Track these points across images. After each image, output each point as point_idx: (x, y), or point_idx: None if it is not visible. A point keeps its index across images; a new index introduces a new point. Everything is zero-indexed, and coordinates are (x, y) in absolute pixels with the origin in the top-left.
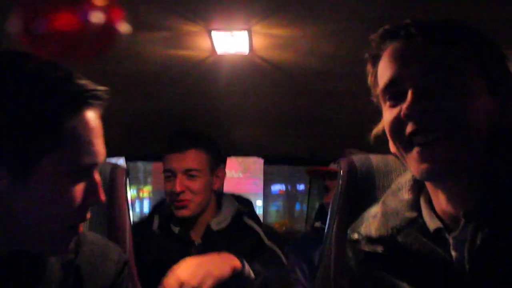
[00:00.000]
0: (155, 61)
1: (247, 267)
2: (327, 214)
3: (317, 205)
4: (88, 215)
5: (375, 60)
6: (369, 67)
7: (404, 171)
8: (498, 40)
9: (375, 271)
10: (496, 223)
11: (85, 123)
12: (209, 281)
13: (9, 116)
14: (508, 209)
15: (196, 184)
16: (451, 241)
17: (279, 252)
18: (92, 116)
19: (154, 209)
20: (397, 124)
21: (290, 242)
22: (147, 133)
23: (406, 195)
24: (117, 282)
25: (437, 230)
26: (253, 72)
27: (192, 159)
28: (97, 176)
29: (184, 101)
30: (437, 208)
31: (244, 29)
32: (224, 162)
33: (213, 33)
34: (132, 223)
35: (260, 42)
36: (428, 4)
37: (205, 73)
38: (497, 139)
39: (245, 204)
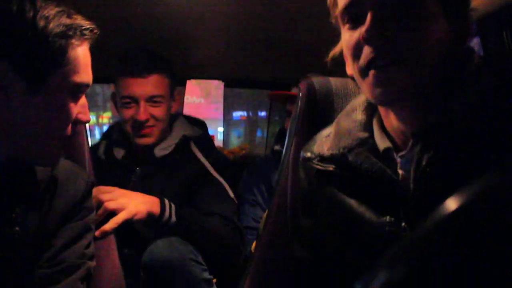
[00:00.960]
0: None
1: (167, 213)
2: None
3: (277, 130)
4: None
5: None
6: None
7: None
8: None
9: (326, 188)
10: (441, 145)
11: (81, 51)
12: (123, 215)
13: (32, 34)
14: (454, 132)
15: (159, 111)
16: (398, 160)
17: (223, 185)
18: (86, 46)
19: (103, 135)
20: (356, 47)
21: (249, 165)
22: (103, 53)
23: (359, 116)
24: (85, 199)
25: (386, 149)
26: None
27: (155, 84)
28: (84, 98)
29: (140, 18)
30: (389, 129)
31: None
32: (184, 85)
33: None
34: (89, 146)
35: None
36: None
37: None
38: (447, 65)
39: (198, 127)
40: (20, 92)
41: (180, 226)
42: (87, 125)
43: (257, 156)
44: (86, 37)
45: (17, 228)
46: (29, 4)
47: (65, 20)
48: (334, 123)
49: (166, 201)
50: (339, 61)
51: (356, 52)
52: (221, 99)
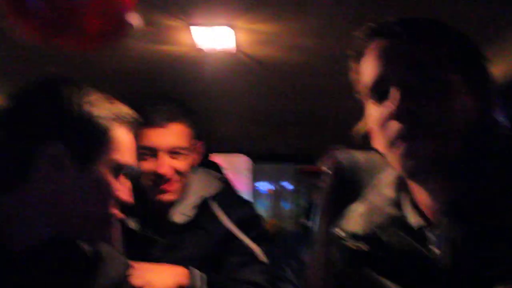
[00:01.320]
0: (139, 57)
1: (197, 284)
2: None
3: (304, 203)
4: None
5: (358, 57)
6: (351, 63)
7: (388, 167)
8: (476, 40)
9: (360, 268)
10: (474, 219)
11: (123, 133)
12: None
13: (79, 118)
14: (487, 208)
15: (181, 164)
16: (433, 238)
17: (252, 249)
18: (126, 129)
19: None
20: (383, 121)
21: (277, 240)
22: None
23: (388, 192)
24: (123, 285)
25: (420, 228)
26: (237, 68)
27: (176, 134)
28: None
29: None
30: (421, 205)
31: (226, 24)
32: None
33: (195, 28)
34: None
35: (243, 38)
36: (409, 3)
37: (188, 69)
38: (474, 137)
39: (217, 179)
40: (71, 169)
41: None
42: None
43: (285, 229)
44: (125, 119)
45: None
46: (76, 91)
47: (107, 105)
48: (364, 200)
49: (196, 272)
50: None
51: (383, 127)
52: (245, 172)
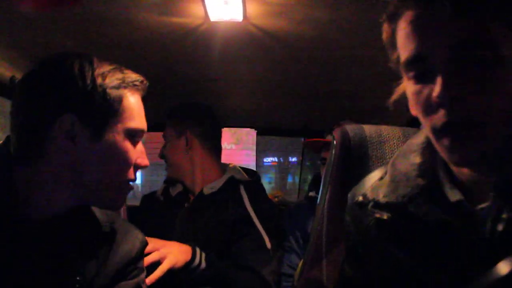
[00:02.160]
0: (147, 28)
1: (197, 259)
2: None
3: (309, 177)
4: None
5: (394, 20)
6: (385, 26)
7: (398, 142)
8: None
9: (379, 239)
10: None
11: (135, 100)
12: (166, 264)
13: (92, 89)
14: None
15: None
16: (476, 214)
17: (263, 236)
18: (138, 96)
19: (165, 181)
20: (425, 104)
21: (283, 212)
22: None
23: (418, 159)
24: (139, 259)
25: (458, 201)
26: (247, 40)
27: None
28: (141, 144)
29: (176, 70)
30: (459, 177)
31: None
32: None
33: None
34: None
35: (254, 9)
36: None
37: (198, 41)
38: None
39: (250, 175)
40: (85, 140)
41: (209, 274)
42: None
43: (290, 202)
44: (137, 87)
45: (78, 278)
46: (88, 65)
47: (118, 75)
48: (389, 165)
49: (197, 249)
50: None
51: (427, 110)
52: (252, 146)
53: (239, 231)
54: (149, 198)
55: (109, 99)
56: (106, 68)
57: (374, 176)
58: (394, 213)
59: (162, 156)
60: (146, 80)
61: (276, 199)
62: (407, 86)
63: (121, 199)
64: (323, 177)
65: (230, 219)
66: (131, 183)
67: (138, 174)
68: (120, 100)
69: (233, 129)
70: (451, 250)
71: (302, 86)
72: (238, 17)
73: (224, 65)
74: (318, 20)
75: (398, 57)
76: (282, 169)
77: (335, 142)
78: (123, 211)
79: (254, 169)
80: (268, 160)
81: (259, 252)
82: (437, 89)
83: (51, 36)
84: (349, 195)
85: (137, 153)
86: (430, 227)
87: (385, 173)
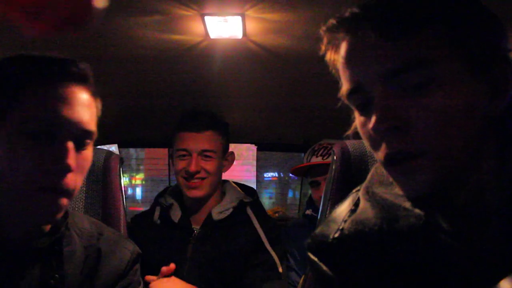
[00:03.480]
0: (148, 46)
1: None
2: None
3: (309, 192)
4: (69, 183)
5: (334, 52)
6: (329, 59)
7: None
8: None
9: (379, 274)
10: None
11: (46, 91)
12: None
13: None
14: None
15: (210, 165)
16: (476, 241)
17: (275, 260)
18: (55, 86)
19: (155, 201)
20: (369, 138)
21: (282, 230)
22: (140, 119)
23: (400, 190)
24: (130, 271)
25: (454, 230)
26: (247, 57)
27: (208, 140)
28: (69, 144)
29: (177, 87)
30: (451, 209)
31: (238, 14)
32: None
33: (206, 17)
34: (125, 210)
35: (253, 26)
36: None
37: (198, 58)
38: (489, 130)
39: (250, 193)
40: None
41: None
42: (123, 187)
43: (291, 218)
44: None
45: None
46: None
47: (27, 62)
48: (367, 196)
49: None
50: None
51: (372, 143)
52: (253, 161)
53: (253, 259)
54: (142, 220)
55: (7, 85)
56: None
57: (342, 212)
58: (395, 245)
59: (196, 172)
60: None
61: (276, 214)
62: (356, 118)
63: (45, 211)
64: (323, 192)
65: (244, 246)
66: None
67: (138, 189)
68: (20, 88)
69: (233, 145)
70: (455, 278)
71: (302, 101)
72: (238, 34)
73: (224, 81)
74: (317, 36)
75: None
76: (283, 184)
77: (335, 158)
78: (123, 225)
79: (255, 184)
80: (269, 175)
81: (273, 281)
82: (372, 121)
83: (49, 52)
84: (311, 240)
85: (54, 153)
86: (434, 259)
87: (354, 206)
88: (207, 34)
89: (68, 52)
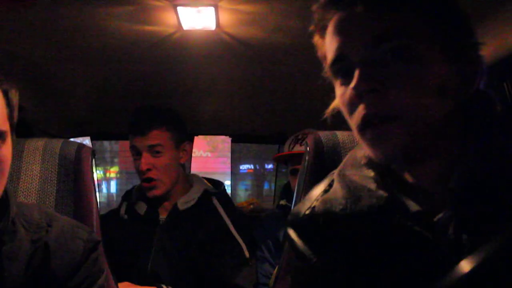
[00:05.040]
0: (120, 36)
1: None
2: (293, 193)
3: (284, 183)
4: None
5: (322, 32)
6: (316, 40)
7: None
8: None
9: (339, 253)
10: (482, 203)
11: None
12: None
13: None
14: (493, 188)
15: (161, 160)
16: (434, 223)
17: (241, 246)
18: None
19: (123, 197)
20: (349, 103)
21: (255, 221)
22: (112, 111)
23: (370, 172)
24: (87, 260)
25: (417, 212)
26: (220, 48)
27: (154, 138)
28: None
29: (149, 78)
30: (413, 187)
31: (211, 5)
32: (192, 140)
33: (179, 8)
34: (98, 204)
35: (227, 18)
36: None
37: (171, 50)
38: (458, 114)
39: (216, 185)
40: None
41: None
42: (95, 180)
43: (266, 209)
44: None
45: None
46: None
47: None
48: (338, 178)
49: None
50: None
51: (350, 108)
52: (228, 153)
53: (220, 245)
54: (110, 218)
55: None
56: None
57: (316, 191)
58: (357, 225)
59: (147, 170)
60: None
61: (251, 206)
62: (336, 91)
63: None
64: (297, 184)
65: (210, 234)
66: None
67: (113, 183)
68: None
69: (208, 137)
70: (414, 259)
71: (276, 93)
72: (211, 25)
73: (198, 73)
74: (290, 28)
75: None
76: (259, 176)
77: (308, 149)
78: (96, 223)
79: (229, 177)
80: (244, 167)
81: (241, 267)
82: (353, 82)
83: (19, 44)
84: (290, 216)
85: None
86: (394, 237)
87: (328, 186)
88: (180, 25)
89: (34, 43)
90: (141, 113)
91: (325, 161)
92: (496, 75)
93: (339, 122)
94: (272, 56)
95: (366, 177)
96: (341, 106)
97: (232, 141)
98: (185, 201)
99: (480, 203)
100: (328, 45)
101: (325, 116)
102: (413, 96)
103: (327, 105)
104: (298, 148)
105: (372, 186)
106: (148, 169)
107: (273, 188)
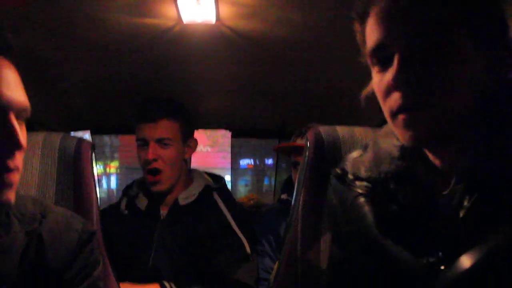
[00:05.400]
0: (120, 30)
1: None
2: (293, 187)
3: (284, 178)
4: (14, 165)
5: (363, 17)
6: (356, 25)
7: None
8: None
9: (359, 216)
10: (486, 186)
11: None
12: None
13: None
14: (499, 174)
15: (168, 153)
16: (441, 197)
17: (242, 241)
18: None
19: (123, 192)
20: (385, 90)
21: (256, 216)
22: (113, 105)
23: (398, 142)
24: (82, 251)
25: (429, 186)
26: (220, 41)
27: (164, 128)
28: (12, 121)
29: (149, 72)
30: (433, 164)
31: None
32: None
33: (179, 0)
34: (98, 197)
35: (227, 10)
36: None
37: (171, 43)
38: (487, 102)
39: (217, 180)
40: None
41: None
42: (95, 175)
43: (266, 205)
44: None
45: None
46: None
47: None
48: (371, 143)
49: (167, 284)
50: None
51: (386, 95)
52: (228, 148)
53: (221, 241)
54: (110, 212)
55: None
56: None
57: (353, 155)
58: (374, 188)
59: (153, 160)
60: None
61: (251, 201)
62: (373, 78)
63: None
64: (297, 179)
65: (211, 229)
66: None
67: (113, 178)
68: None
69: (208, 131)
70: (426, 235)
71: (276, 87)
72: (211, 18)
73: (198, 66)
74: (291, 21)
75: (367, 52)
76: (258, 172)
77: (308, 144)
78: (96, 218)
79: (229, 172)
80: (244, 162)
81: (242, 262)
82: (393, 72)
83: (17, 37)
84: (331, 174)
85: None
86: (406, 207)
87: (364, 152)
88: (179, 18)
89: (34, 34)
90: (152, 102)
91: (325, 156)
92: None
93: (370, 107)
94: (272, 50)
95: (393, 145)
96: (377, 91)
97: (232, 136)
98: (186, 196)
99: (487, 186)
100: (369, 33)
101: (363, 96)
102: (447, 88)
103: (328, 99)
104: (300, 141)
105: (396, 154)
106: (154, 159)
107: (273, 183)
